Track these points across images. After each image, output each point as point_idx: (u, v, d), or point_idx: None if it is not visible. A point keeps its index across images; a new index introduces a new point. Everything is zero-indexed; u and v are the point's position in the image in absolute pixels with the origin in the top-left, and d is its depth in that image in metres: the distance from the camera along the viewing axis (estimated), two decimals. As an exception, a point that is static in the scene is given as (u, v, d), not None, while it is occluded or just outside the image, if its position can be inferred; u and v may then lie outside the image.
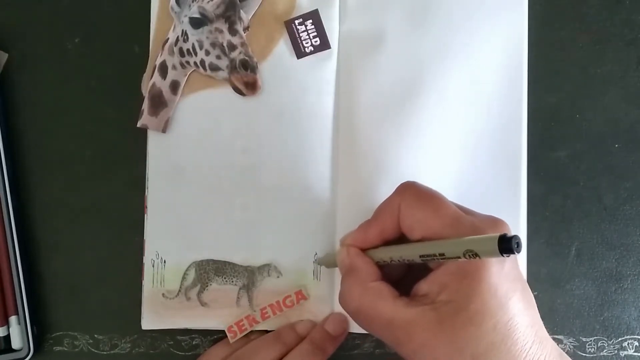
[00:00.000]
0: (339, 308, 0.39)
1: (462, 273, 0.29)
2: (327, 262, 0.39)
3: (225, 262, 0.40)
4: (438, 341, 0.28)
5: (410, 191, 0.32)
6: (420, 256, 0.30)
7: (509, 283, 0.29)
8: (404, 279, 0.34)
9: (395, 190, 0.33)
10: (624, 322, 0.41)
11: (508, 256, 0.25)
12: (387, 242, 0.33)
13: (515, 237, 0.25)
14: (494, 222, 0.30)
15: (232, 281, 0.40)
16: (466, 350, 0.28)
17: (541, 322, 0.30)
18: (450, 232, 0.30)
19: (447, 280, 0.29)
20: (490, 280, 0.28)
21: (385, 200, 0.33)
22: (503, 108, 0.40)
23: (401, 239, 0.33)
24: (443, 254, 0.28)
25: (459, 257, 0.28)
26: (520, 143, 0.40)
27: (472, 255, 0.27)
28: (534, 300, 0.30)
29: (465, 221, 0.30)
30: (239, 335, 0.40)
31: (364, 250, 0.34)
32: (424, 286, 0.30)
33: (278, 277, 0.40)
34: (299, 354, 0.38)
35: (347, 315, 0.37)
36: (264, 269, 0.40)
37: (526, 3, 0.41)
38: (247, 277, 0.40)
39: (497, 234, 0.26)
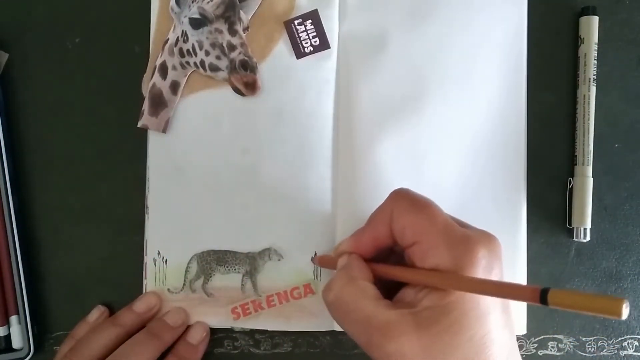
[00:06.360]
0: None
1: None
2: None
3: (225, 251, 0.40)
4: (412, 347, 0.27)
5: (403, 197, 0.32)
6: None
7: (491, 298, 0.28)
8: (387, 283, 0.33)
9: (388, 196, 0.33)
10: (624, 321, 0.41)
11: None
12: (380, 250, 0.33)
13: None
14: (486, 236, 0.30)
15: (235, 269, 0.40)
16: None
17: (516, 346, 0.30)
18: (442, 239, 0.29)
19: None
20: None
21: (378, 207, 0.33)
22: (503, 107, 0.40)
23: (394, 247, 0.33)
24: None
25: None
26: (520, 142, 0.40)
27: None
28: (513, 322, 0.30)
29: (457, 230, 0.30)
30: (242, 318, 0.40)
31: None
32: (409, 291, 0.30)
33: (279, 259, 0.40)
34: (132, 343, 0.37)
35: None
36: (265, 253, 0.40)
37: (526, 2, 0.41)
38: (249, 263, 0.40)
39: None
